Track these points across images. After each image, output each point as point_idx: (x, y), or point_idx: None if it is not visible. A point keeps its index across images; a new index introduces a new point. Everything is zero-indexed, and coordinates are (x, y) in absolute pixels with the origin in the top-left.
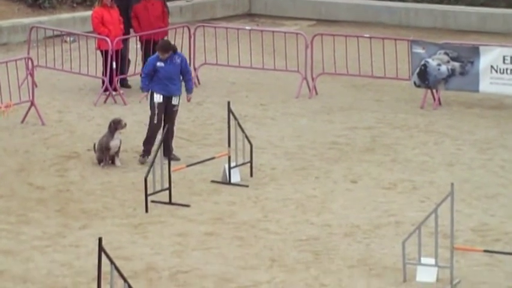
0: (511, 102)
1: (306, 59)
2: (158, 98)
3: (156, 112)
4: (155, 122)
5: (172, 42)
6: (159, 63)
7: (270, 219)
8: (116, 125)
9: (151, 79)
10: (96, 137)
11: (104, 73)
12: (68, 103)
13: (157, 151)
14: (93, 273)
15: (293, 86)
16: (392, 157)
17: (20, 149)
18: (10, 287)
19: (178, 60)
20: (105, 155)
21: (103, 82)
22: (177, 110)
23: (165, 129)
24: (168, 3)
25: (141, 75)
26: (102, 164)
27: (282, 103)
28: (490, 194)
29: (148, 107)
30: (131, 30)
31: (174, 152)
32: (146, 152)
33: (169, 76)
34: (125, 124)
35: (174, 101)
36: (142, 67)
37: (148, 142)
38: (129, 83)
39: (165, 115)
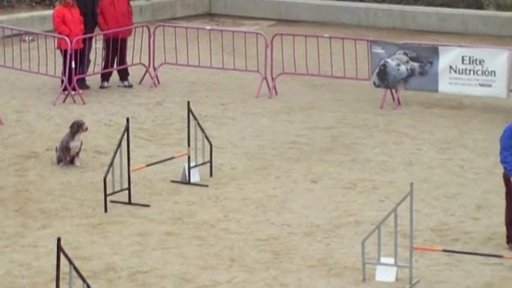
0: (469, 102)
1: (266, 59)
2: None
3: None
4: None
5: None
6: None
7: (230, 219)
8: (78, 128)
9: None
10: (55, 136)
11: (63, 72)
12: (27, 102)
13: (116, 150)
14: (51, 273)
15: (253, 85)
16: (352, 157)
17: None
18: None
19: None
20: (65, 155)
21: (62, 81)
22: None
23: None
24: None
25: (503, 160)
26: (61, 163)
27: (242, 103)
28: (449, 194)
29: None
30: (96, 29)
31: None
32: None
33: None
34: (86, 128)
35: None
36: (104, 66)
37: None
38: (87, 83)
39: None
